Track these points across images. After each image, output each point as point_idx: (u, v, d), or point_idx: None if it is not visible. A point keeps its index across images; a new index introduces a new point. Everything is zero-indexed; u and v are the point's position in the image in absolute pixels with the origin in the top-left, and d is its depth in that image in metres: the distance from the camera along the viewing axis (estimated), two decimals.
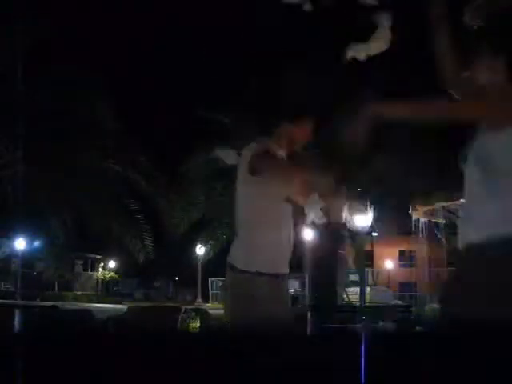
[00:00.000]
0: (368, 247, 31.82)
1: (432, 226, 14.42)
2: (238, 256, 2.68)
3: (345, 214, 2.74)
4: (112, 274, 37.29)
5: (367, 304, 15.71)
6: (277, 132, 2.76)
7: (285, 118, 2.73)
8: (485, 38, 2.17)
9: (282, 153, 2.73)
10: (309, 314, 10.52)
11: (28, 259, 25.00)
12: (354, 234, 16.76)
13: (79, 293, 32.22)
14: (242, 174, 2.65)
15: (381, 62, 2.82)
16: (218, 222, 18.14)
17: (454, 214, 12.32)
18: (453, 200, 11.48)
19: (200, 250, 25.88)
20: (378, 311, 13.66)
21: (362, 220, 12.93)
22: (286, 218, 2.73)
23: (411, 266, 29.26)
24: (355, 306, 14.82)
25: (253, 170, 2.58)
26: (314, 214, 2.66)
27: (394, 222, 21.23)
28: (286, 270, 2.73)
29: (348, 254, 20.94)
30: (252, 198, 2.67)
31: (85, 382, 2.11)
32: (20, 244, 22.40)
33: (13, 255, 24.12)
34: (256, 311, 2.54)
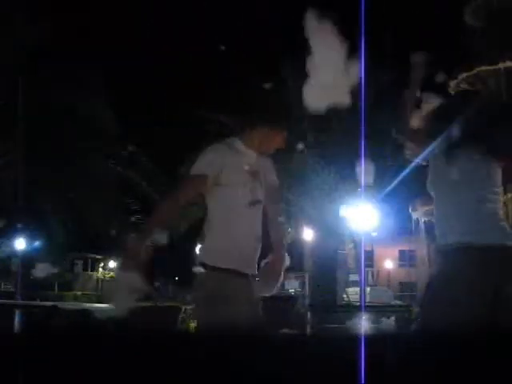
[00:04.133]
0: (368, 247, 31.82)
1: (432, 226, 14.37)
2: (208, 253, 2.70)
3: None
4: (112, 274, 37.30)
5: (367, 304, 15.69)
6: (251, 133, 2.77)
7: (262, 121, 2.75)
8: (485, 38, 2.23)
9: (251, 152, 2.76)
10: (309, 314, 10.52)
11: (28, 259, 24.94)
12: (354, 234, 16.76)
13: (79, 293, 32.20)
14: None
15: None
16: None
17: None
18: None
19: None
20: (377, 311, 13.65)
21: (367, 220, 12.92)
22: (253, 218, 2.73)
23: (411, 266, 29.26)
24: (355, 306, 14.81)
25: None
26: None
27: (394, 221, 21.23)
28: (254, 271, 2.71)
29: (348, 254, 20.93)
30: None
31: (85, 383, 2.11)
32: (20, 244, 22.36)
33: (13, 255, 24.07)
34: (232, 310, 2.53)
